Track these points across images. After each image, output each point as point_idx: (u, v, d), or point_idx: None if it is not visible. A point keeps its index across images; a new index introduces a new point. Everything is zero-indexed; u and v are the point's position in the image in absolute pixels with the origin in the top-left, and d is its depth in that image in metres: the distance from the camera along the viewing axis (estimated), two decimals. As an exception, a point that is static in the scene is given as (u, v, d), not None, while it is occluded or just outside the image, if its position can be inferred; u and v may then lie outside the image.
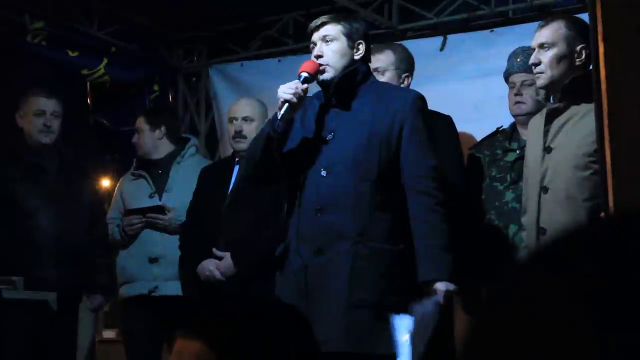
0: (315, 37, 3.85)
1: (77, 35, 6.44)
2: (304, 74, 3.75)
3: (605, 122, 2.86)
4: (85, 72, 6.49)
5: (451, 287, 3.64)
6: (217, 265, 4.68)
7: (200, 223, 4.82)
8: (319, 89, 3.90)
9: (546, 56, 3.81)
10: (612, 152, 2.83)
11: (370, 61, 4.00)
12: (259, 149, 3.80)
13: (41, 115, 5.14)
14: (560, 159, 3.73)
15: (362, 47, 3.84)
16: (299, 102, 3.72)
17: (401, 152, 3.72)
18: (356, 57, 3.84)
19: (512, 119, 4.53)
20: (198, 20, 6.91)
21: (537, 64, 3.82)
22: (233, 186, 4.83)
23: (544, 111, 3.90)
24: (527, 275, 0.74)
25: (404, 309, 3.68)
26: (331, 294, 3.63)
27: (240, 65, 6.92)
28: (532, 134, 3.94)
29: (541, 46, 3.83)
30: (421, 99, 3.84)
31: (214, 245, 4.71)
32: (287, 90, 3.70)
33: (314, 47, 3.85)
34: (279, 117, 3.71)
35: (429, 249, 3.63)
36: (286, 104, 3.69)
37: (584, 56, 3.78)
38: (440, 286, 3.62)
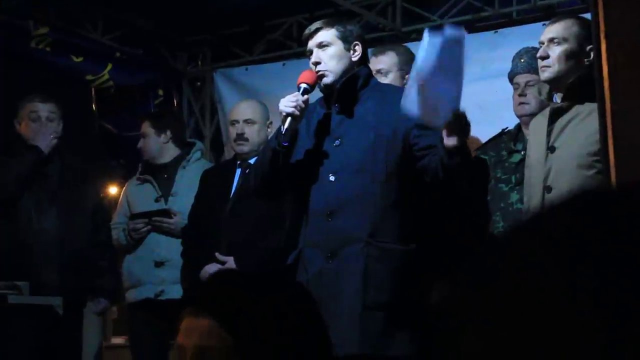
0: (311, 44, 3.85)
1: (81, 40, 6.46)
2: (304, 85, 3.75)
3: (609, 120, 2.85)
4: (89, 77, 6.50)
5: None
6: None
7: (202, 227, 4.80)
8: (321, 94, 3.90)
9: (555, 51, 3.77)
10: (616, 150, 2.81)
11: (368, 62, 3.99)
12: (266, 163, 3.80)
13: (37, 120, 5.13)
14: (564, 158, 3.70)
15: (358, 49, 3.84)
16: (301, 114, 3.72)
17: (416, 145, 3.67)
18: (354, 59, 3.83)
19: (518, 120, 4.51)
20: (202, 25, 6.92)
21: (545, 57, 3.79)
22: (235, 190, 4.81)
23: (546, 111, 3.88)
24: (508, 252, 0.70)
25: (415, 311, 3.66)
26: (345, 297, 3.61)
27: (244, 69, 6.94)
28: (534, 134, 3.92)
29: (551, 40, 3.79)
30: None
31: (217, 249, 4.69)
32: (288, 103, 3.69)
33: (310, 54, 3.85)
34: (283, 131, 3.71)
35: None
36: (289, 118, 3.69)
37: (592, 57, 3.75)
38: None
